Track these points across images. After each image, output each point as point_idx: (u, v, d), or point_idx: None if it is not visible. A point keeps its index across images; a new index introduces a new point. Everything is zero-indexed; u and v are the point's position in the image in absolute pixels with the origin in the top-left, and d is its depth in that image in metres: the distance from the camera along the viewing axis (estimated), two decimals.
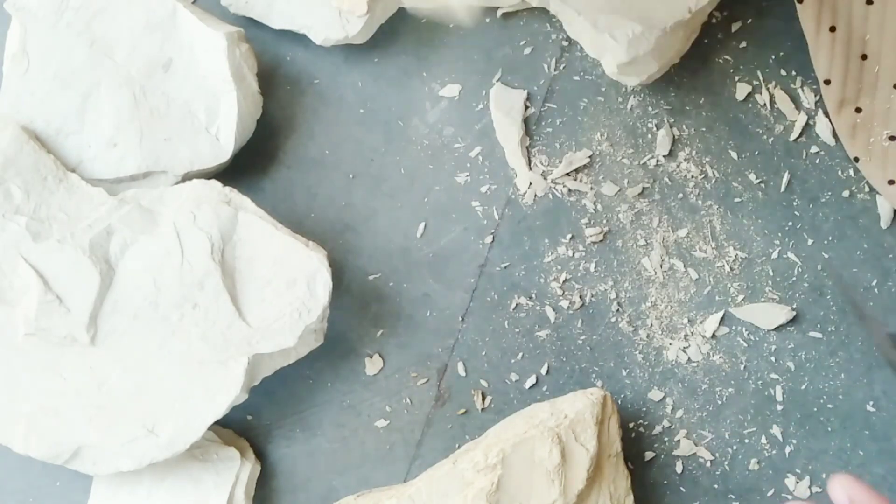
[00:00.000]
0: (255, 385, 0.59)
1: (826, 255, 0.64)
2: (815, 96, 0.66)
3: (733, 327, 0.64)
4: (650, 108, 0.66)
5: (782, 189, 0.65)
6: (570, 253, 0.65)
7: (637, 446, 0.62)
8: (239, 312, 0.58)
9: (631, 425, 0.63)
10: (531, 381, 0.63)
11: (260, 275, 0.58)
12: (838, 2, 0.64)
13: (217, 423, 0.62)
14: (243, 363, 0.56)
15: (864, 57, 0.64)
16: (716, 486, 0.62)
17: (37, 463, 0.57)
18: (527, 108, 0.67)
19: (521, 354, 0.64)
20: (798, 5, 0.65)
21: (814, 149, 0.66)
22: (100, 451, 0.56)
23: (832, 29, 0.64)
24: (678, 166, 0.66)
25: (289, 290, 0.58)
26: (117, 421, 0.56)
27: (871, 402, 0.63)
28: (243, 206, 0.60)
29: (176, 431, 0.56)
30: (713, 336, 0.63)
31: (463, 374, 0.63)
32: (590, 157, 0.66)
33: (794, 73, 0.66)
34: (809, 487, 0.62)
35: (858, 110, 0.64)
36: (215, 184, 0.61)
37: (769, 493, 0.62)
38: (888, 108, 0.64)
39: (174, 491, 0.59)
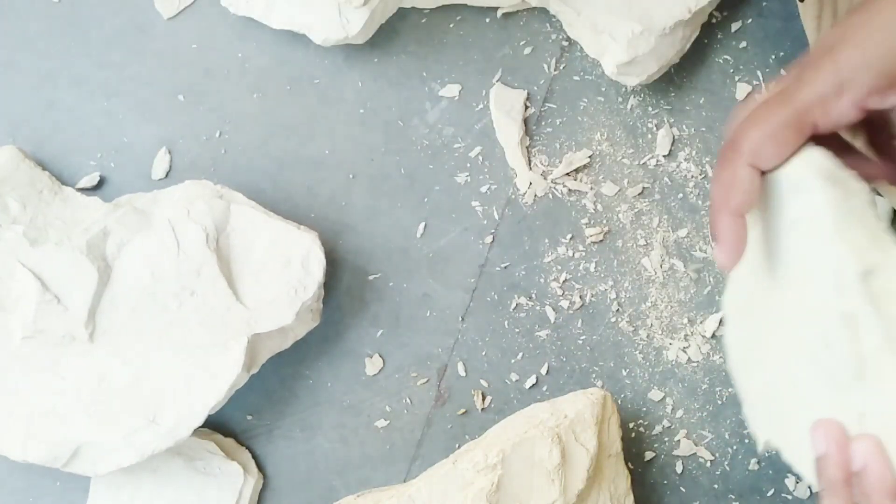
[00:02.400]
0: (254, 375, 0.59)
1: None
2: None
3: None
4: (650, 108, 0.66)
5: None
6: (570, 253, 0.65)
7: (637, 446, 0.62)
8: (236, 296, 0.58)
9: (631, 425, 0.63)
10: (531, 381, 0.63)
11: (255, 259, 0.59)
12: (839, 1, 0.64)
13: (218, 427, 0.62)
14: (243, 343, 0.57)
15: None
16: (716, 486, 0.62)
17: (37, 463, 0.57)
18: (527, 108, 0.67)
19: (521, 354, 0.64)
20: (799, 4, 0.65)
21: None
22: (100, 448, 0.56)
23: None
24: (678, 166, 0.66)
25: (284, 270, 0.59)
26: (118, 415, 0.56)
27: None
28: (235, 199, 0.61)
29: (178, 418, 0.56)
30: (713, 336, 0.63)
31: (463, 374, 0.63)
32: (590, 157, 0.66)
33: None
34: (809, 487, 0.62)
35: None
36: (207, 183, 0.61)
37: (769, 493, 0.62)
38: None
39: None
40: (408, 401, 0.63)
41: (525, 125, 0.66)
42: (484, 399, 0.63)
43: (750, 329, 0.45)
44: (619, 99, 0.67)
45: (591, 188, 0.66)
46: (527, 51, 0.68)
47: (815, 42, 0.64)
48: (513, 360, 0.64)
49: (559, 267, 0.65)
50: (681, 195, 0.65)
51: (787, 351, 0.42)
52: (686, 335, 0.63)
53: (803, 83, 0.39)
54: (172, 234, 0.59)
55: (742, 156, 0.39)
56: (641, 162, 0.66)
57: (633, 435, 0.62)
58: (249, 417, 0.63)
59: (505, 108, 0.66)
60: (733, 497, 0.62)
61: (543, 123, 0.67)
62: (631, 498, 0.58)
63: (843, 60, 0.39)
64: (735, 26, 0.67)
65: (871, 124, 0.43)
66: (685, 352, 0.63)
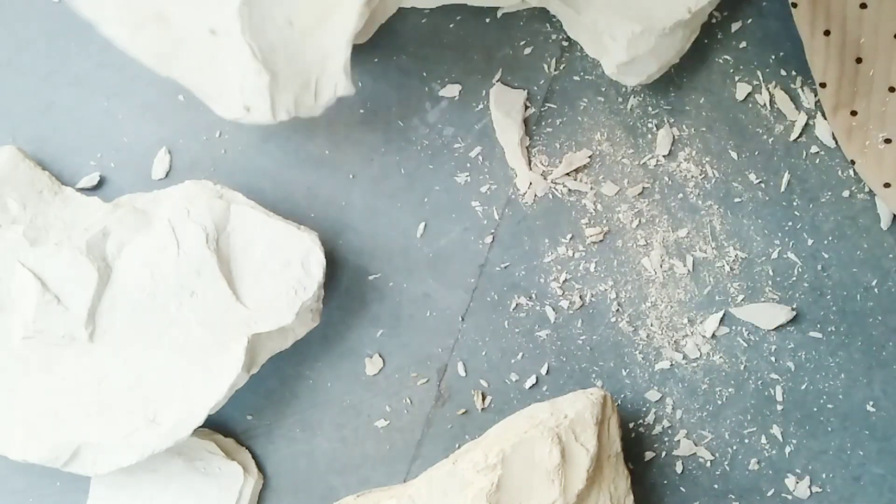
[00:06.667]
0: (254, 375, 0.59)
1: (826, 255, 0.64)
2: (815, 96, 0.66)
3: (733, 327, 0.64)
4: (650, 108, 0.66)
5: (782, 189, 0.65)
6: (570, 253, 0.65)
7: (637, 446, 0.62)
8: (236, 296, 0.58)
9: (631, 425, 0.63)
10: (531, 381, 0.63)
11: (255, 259, 0.59)
12: (832, 5, 0.64)
13: (218, 427, 0.62)
14: (243, 343, 0.57)
15: (858, 60, 0.64)
16: (716, 486, 0.62)
17: (37, 463, 0.57)
18: (527, 108, 0.67)
19: (521, 354, 0.64)
20: (793, 9, 0.65)
21: (814, 149, 0.66)
22: (100, 448, 0.56)
23: (826, 32, 0.64)
24: (678, 166, 0.66)
25: (284, 271, 0.59)
26: (118, 415, 0.56)
27: (871, 402, 0.63)
28: (235, 199, 0.61)
29: (178, 418, 0.56)
30: (713, 336, 0.63)
31: (463, 374, 0.63)
32: (590, 157, 0.66)
33: (794, 73, 0.66)
34: (809, 487, 0.62)
35: (854, 113, 0.64)
36: (207, 183, 0.61)
37: (769, 493, 0.62)
38: (883, 110, 0.64)
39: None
40: (408, 401, 0.63)
41: (525, 125, 0.66)
42: (484, 399, 0.63)
43: None
44: (619, 99, 0.67)
45: (591, 188, 0.66)
46: (527, 51, 0.68)
47: (808, 47, 0.64)
48: (513, 360, 0.64)
49: (559, 267, 0.65)
50: (681, 195, 0.65)
51: None
52: (686, 335, 0.64)
53: None
54: (172, 234, 0.59)
55: None
56: (641, 162, 0.66)
57: (633, 435, 0.62)
58: (249, 417, 0.63)
59: (505, 108, 0.66)
60: (733, 497, 0.62)
61: (543, 123, 0.67)
62: (631, 498, 0.58)
63: None
64: (735, 26, 0.67)
65: None
66: (685, 351, 0.63)
